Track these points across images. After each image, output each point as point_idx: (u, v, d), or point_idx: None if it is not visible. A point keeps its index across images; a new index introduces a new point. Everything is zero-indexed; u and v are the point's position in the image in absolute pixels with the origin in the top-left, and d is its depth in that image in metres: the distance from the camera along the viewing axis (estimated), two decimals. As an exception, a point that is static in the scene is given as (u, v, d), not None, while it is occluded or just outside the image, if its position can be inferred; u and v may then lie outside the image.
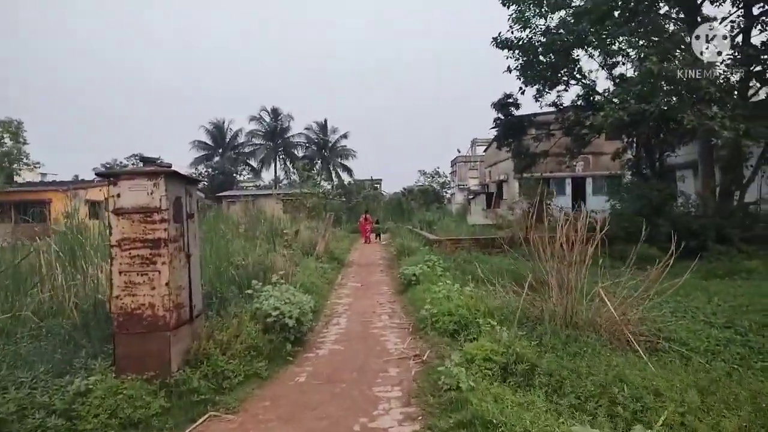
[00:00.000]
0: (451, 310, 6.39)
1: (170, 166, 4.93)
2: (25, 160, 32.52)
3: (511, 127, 24.57)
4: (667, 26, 16.07)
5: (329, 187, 47.65)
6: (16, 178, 33.04)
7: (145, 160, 5.00)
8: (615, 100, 13.83)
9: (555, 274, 6.96)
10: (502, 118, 24.75)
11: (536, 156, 25.27)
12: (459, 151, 73.53)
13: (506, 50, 19.73)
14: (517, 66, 20.07)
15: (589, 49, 21.18)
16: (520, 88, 22.40)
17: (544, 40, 19.60)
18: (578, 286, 6.70)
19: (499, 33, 19.28)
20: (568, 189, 33.98)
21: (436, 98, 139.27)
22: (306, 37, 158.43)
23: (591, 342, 5.83)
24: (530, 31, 19.51)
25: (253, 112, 54.50)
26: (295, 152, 55.53)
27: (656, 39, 14.77)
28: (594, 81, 22.82)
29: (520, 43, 19.33)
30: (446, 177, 78.13)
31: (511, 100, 24.41)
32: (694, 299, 9.50)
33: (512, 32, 19.00)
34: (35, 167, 34.13)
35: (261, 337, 5.61)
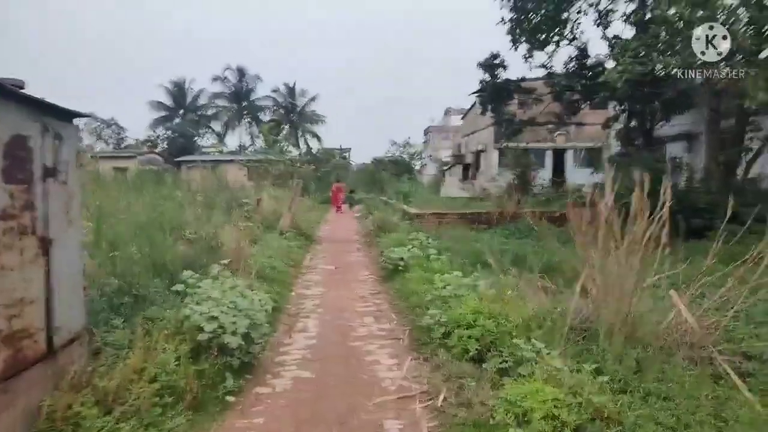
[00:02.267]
0: (468, 318, 4.47)
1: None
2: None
3: (497, 90, 22.57)
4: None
5: (297, 154, 45.11)
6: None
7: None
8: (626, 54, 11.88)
9: (603, 267, 5.12)
10: (489, 79, 22.71)
11: (523, 123, 23.45)
12: (432, 121, 71.56)
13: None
14: (511, 18, 18.00)
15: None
16: (514, 43, 20.37)
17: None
18: (638, 285, 4.88)
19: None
20: (548, 161, 32.43)
21: (409, 64, 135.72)
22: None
23: (671, 369, 4.05)
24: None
25: (217, 72, 50.77)
26: (262, 116, 52.43)
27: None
28: (585, 43, 21.10)
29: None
30: (418, 147, 76.42)
31: (498, 61, 22.33)
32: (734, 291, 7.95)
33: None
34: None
35: (186, 368, 3.58)
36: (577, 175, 30.03)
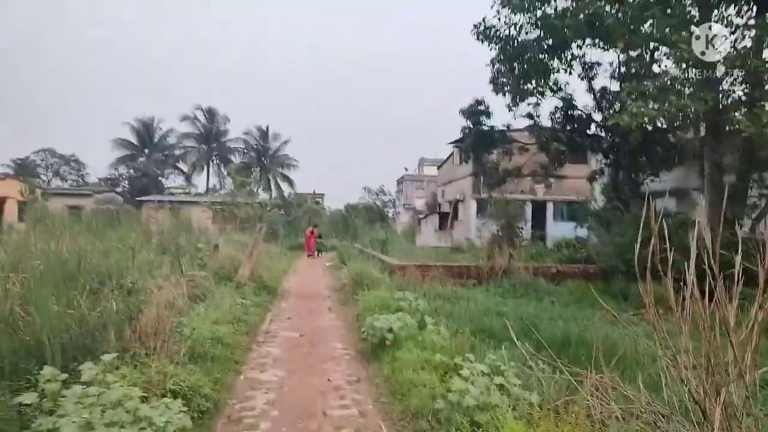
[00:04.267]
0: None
1: None
2: None
3: (480, 137, 21.48)
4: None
5: (267, 197, 43.18)
6: None
7: None
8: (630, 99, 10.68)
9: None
10: (471, 126, 21.65)
11: (507, 173, 22.29)
12: (406, 170, 71.01)
13: (487, 42, 16.67)
14: (499, 57, 17.10)
15: (569, 55, 18.75)
16: (497, 92, 19.46)
17: (528, 36, 16.80)
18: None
19: (483, 19, 16.09)
20: (528, 213, 31.41)
21: (384, 116, 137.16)
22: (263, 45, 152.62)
23: None
24: (515, 25, 16.62)
25: (187, 111, 49.05)
26: (232, 158, 50.57)
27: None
28: (570, 94, 20.44)
29: (504, 33, 16.28)
30: (391, 195, 75.72)
31: (482, 107, 21.39)
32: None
33: (499, 18, 15.89)
34: None
35: None
36: (558, 229, 29.02)
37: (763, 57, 9.40)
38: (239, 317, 7.52)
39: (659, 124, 11.45)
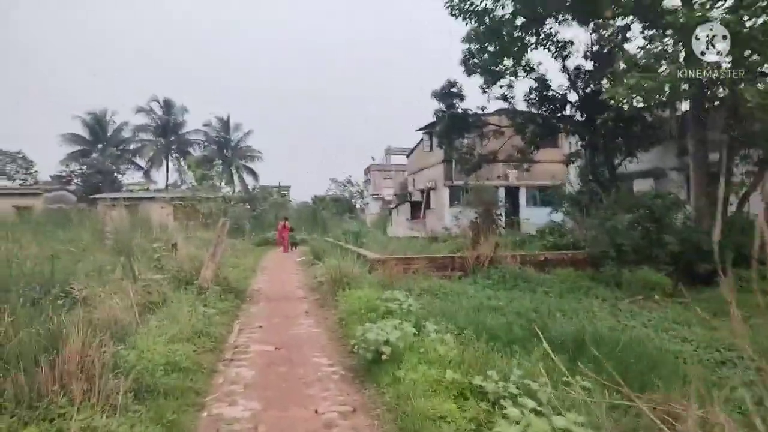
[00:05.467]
0: None
1: None
2: None
3: (454, 121, 20.59)
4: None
5: (231, 191, 41.40)
6: None
7: None
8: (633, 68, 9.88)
9: None
10: (445, 110, 20.73)
11: (483, 158, 21.51)
12: (373, 159, 69.71)
13: (461, 17, 15.71)
14: (473, 34, 16.23)
15: (543, 33, 18.07)
16: (469, 73, 18.62)
17: (505, 10, 15.94)
18: None
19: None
20: (501, 199, 30.95)
21: (351, 105, 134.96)
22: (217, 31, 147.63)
23: None
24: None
25: (142, 103, 46.44)
26: (192, 151, 48.29)
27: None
28: (543, 75, 19.81)
29: (480, 7, 15.34)
30: (359, 186, 74.50)
31: (455, 90, 20.49)
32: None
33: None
34: None
35: None
36: (529, 214, 28.61)
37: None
38: (201, 330, 6.34)
39: (635, 104, 10.73)
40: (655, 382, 4.14)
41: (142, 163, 47.49)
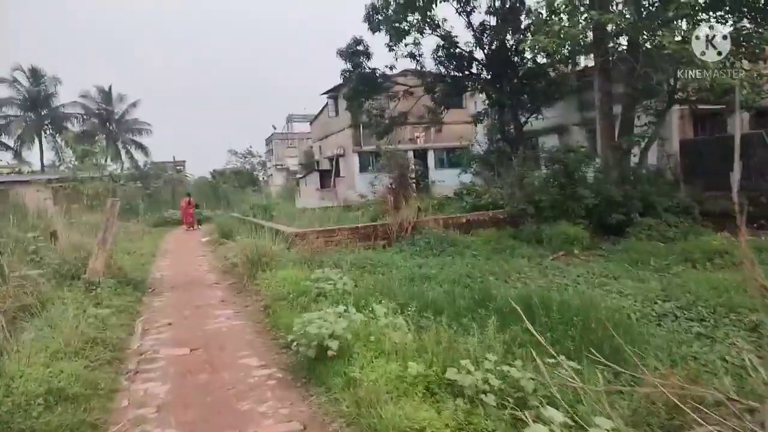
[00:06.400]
0: None
1: None
2: None
3: (363, 81, 19.67)
4: None
5: (118, 169, 37.48)
6: None
7: None
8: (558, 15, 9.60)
9: None
10: (352, 69, 19.72)
11: (394, 120, 20.90)
12: (275, 128, 66.77)
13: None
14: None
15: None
16: (372, 30, 17.77)
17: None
18: None
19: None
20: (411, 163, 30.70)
21: (247, 75, 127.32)
22: None
23: None
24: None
25: (4, 74, 40.02)
26: (70, 126, 42.62)
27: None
28: (449, 31, 19.48)
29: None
30: (261, 157, 71.45)
31: (361, 48, 19.51)
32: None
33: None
34: None
35: None
36: (439, 176, 28.69)
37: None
38: (94, 337, 5.12)
39: (563, 51, 10.58)
40: (625, 349, 3.74)
41: (10, 142, 41.22)
